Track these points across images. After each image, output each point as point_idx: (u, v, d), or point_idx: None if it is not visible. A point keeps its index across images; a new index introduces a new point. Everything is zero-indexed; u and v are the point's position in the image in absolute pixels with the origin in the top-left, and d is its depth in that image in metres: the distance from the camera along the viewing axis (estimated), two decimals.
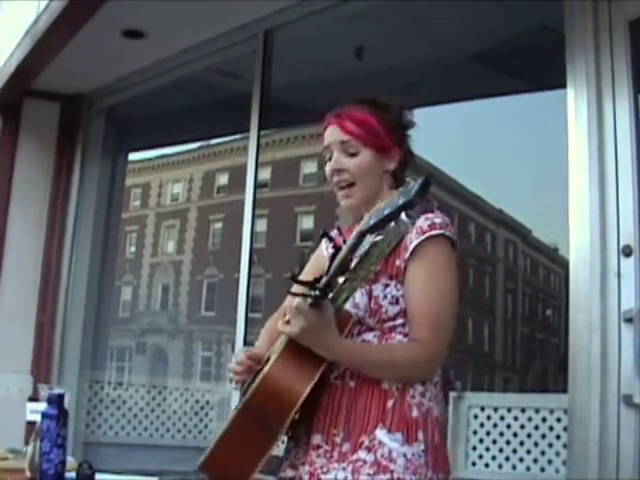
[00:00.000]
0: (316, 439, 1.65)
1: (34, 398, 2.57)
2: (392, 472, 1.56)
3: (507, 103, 5.78)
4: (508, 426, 3.12)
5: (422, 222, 1.67)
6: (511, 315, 13.92)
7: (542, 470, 3.00)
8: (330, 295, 1.59)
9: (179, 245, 18.46)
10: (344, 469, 1.59)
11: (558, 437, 2.97)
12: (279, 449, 1.70)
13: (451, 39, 4.04)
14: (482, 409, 3.20)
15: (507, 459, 3.12)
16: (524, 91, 5.03)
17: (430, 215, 1.69)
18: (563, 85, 2.85)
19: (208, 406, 5.24)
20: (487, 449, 3.17)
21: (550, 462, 2.99)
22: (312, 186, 15.34)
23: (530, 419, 3.07)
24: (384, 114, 1.77)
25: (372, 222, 1.48)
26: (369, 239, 1.53)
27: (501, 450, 3.13)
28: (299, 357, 1.60)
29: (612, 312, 2.62)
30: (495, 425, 3.16)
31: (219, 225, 17.29)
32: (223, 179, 16.76)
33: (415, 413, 1.63)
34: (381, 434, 1.60)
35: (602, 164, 2.72)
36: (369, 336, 1.69)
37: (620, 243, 2.65)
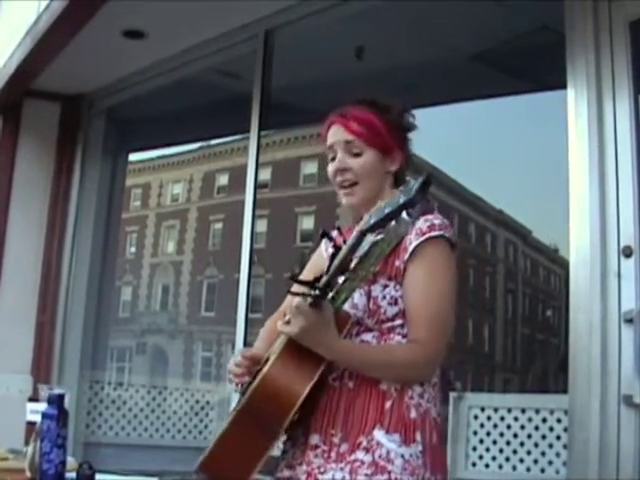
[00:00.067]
0: (314, 439, 1.65)
1: (34, 398, 2.57)
2: (390, 473, 1.56)
3: (507, 103, 5.78)
4: (508, 427, 3.12)
5: (421, 223, 1.67)
6: (511, 316, 13.93)
7: (542, 471, 3.00)
8: (330, 295, 1.59)
9: (179, 245, 18.47)
10: (342, 469, 1.59)
11: (558, 438, 2.97)
12: (277, 449, 1.70)
13: (451, 39, 4.04)
14: (482, 410, 3.20)
15: (507, 460, 3.12)
16: (524, 91, 5.03)
17: (429, 216, 1.69)
18: (563, 85, 2.85)
19: (208, 406, 5.24)
20: (487, 450, 3.17)
21: (550, 463, 2.99)
22: (312, 187, 15.35)
23: (530, 420, 3.07)
24: (386, 115, 1.78)
25: (373, 221, 1.48)
26: (369, 239, 1.53)
27: (501, 451, 3.13)
28: (298, 357, 1.60)
29: (612, 313, 2.62)
30: (495, 426, 3.16)
31: (219, 225, 17.30)
32: (223, 179, 16.77)
33: (413, 414, 1.63)
34: (379, 435, 1.60)
35: (602, 165, 2.71)
36: (368, 337, 1.69)
37: (620, 244, 2.65)
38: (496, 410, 3.17)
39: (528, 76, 4.54)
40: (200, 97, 5.03)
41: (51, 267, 5.00)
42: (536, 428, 3.03)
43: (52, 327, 4.96)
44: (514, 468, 3.09)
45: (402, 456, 1.58)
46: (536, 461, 3.03)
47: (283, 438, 1.69)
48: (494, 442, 3.15)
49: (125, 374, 13.58)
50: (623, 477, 2.48)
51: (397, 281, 1.67)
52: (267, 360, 1.69)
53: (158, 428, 5.07)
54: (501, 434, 3.13)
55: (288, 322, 1.61)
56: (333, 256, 1.59)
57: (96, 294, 5.24)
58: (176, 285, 17.42)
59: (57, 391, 2.13)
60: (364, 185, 1.76)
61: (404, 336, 1.67)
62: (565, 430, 2.88)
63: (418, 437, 1.61)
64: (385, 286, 1.67)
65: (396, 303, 1.67)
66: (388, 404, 1.63)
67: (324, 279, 1.56)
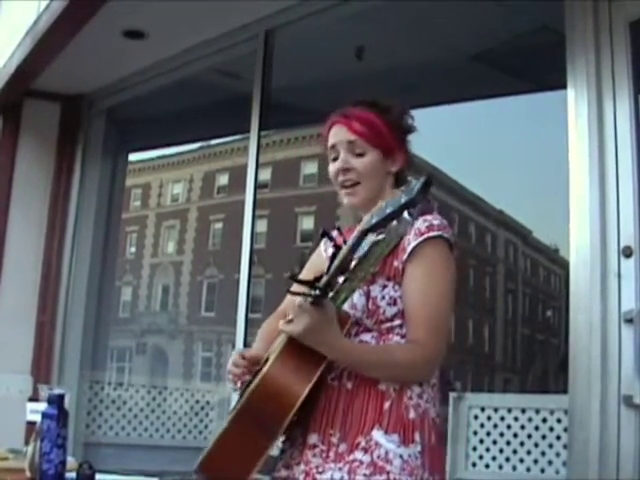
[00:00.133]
0: (312, 439, 1.65)
1: (34, 398, 2.57)
2: (388, 473, 1.56)
3: (507, 104, 5.79)
4: (508, 427, 3.12)
5: (420, 224, 1.67)
6: (511, 316, 13.94)
7: (542, 471, 3.00)
8: (329, 295, 1.59)
9: (179, 245, 18.48)
10: (340, 469, 1.59)
11: (558, 438, 2.97)
12: (276, 449, 1.70)
13: (451, 39, 4.04)
14: (482, 410, 3.20)
15: (507, 460, 3.12)
16: (524, 92, 5.03)
17: (428, 217, 1.69)
18: (563, 85, 2.85)
19: (208, 406, 5.24)
20: (487, 450, 3.17)
21: (550, 463, 2.99)
22: (312, 187, 15.36)
23: (530, 420, 3.07)
24: (386, 115, 1.78)
25: (374, 221, 1.48)
26: (370, 239, 1.53)
27: (501, 451, 3.13)
28: (298, 358, 1.60)
29: (612, 313, 2.62)
30: (495, 426, 3.16)
31: (219, 225, 17.31)
32: (223, 179, 16.78)
33: (412, 414, 1.63)
34: (378, 435, 1.60)
35: (602, 165, 2.71)
36: (366, 337, 1.69)
37: (620, 244, 2.65)
38: (496, 410, 3.17)
39: (528, 76, 4.54)
40: (200, 97, 5.03)
41: (51, 267, 5.00)
42: (536, 428, 3.03)
43: (52, 327, 4.96)
44: (514, 468, 3.09)
45: (401, 456, 1.58)
46: (536, 461, 3.03)
47: (282, 438, 1.69)
48: (494, 442, 3.15)
49: (125, 374, 13.58)
50: (623, 477, 2.48)
51: (396, 281, 1.67)
52: (266, 360, 1.69)
53: (158, 428, 5.07)
54: (501, 434, 3.13)
55: (289, 322, 1.61)
56: (334, 256, 1.59)
57: (96, 294, 5.24)
58: (176, 285, 17.43)
59: (57, 391, 2.13)
60: (366, 185, 1.76)
61: (403, 336, 1.67)
62: (565, 430, 2.88)
63: (417, 437, 1.61)
64: (384, 286, 1.67)
65: (395, 303, 1.67)
66: (387, 404, 1.63)
67: (324, 279, 1.56)
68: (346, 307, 1.66)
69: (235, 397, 1.88)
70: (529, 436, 3.05)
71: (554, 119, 3.23)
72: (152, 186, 17.11)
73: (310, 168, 15.45)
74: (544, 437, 3.01)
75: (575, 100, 2.80)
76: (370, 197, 1.75)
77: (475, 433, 3.19)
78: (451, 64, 4.32)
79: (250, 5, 3.88)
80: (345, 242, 1.71)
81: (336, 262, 1.56)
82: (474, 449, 3.19)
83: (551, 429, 2.99)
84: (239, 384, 1.77)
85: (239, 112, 4.48)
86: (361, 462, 1.58)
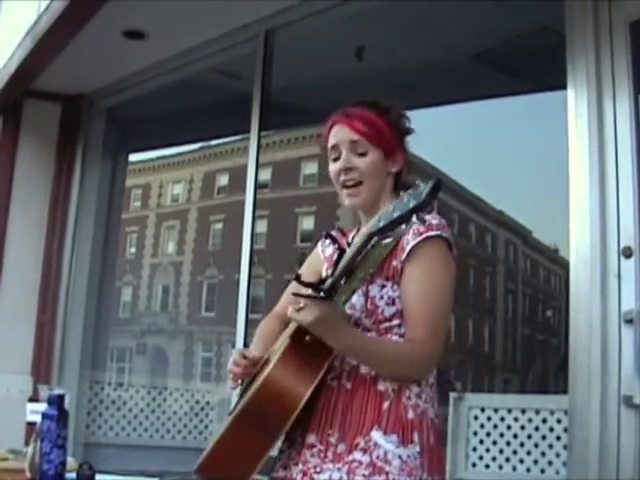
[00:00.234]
0: (310, 439, 1.65)
1: (34, 399, 2.57)
2: (387, 473, 1.56)
3: (508, 104, 5.78)
4: (508, 427, 3.12)
5: (419, 223, 1.67)
6: (511, 316, 13.93)
7: (542, 471, 3.00)
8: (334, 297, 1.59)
9: (179, 246, 18.47)
10: (339, 470, 1.58)
11: (558, 438, 2.96)
12: (275, 449, 1.70)
13: (451, 39, 4.04)
14: (482, 410, 3.20)
15: (507, 460, 3.12)
16: (524, 92, 5.03)
17: (427, 216, 1.68)
18: (563, 86, 2.85)
19: (208, 407, 5.24)
20: (487, 450, 3.17)
21: (550, 463, 2.99)
22: (312, 187, 15.35)
23: (530, 420, 3.07)
24: (387, 116, 1.78)
25: (381, 225, 1.45)
26: (375, 241, 1.53)
27: (501, 451, 3.13)
28: (300, 359, 1.59)
29: (612, 313, 2.62)
30: (495, 426, 3.16)
31: (219, 226, 17.30)
32: (223, 180, 16.77)
33: (411, 415, 1.63)
34: (377, 435, 1.60)
35: (602, 165, 2.71)
36: None
37: (620, 244, 2.65)
38: (496, 410, 3.17)
39: (528, 76, 4.54)
40: (200, 97, 5.03)
41: (51, 267, 5.00)
42: (536, 428, 3.03)
43: (52, 327, 4.96)
44: (514, 469, 3.09)
45: (400, 457, 1.58)
46: (536, 461, 3.03)
47: (281, 438, 1.69)
48: (494, 442, 3.15)
49: (125, 374, 13.58)
50: (623, 477, 2.48)
51: (394, 281, 1.67)
52: (267, 361, 1.69)
53: (158, 428, 5.07)
54: (501, 434, 3.13)
55: (299, 310, 1.58)
56: (339, 258, 1.59)
57: (96, 294, 5.24)
58: (176, 285, 17.42)
59: (57, 391, 2.13)
60: (368, 185, 1.75)
61: (401, 336, 1.67)
62: (565, 430, 2.88)
63: (416, 438, 1.61)
64: (383, 286, 1.67)
65: (394, 303, 1.67)
66: (386, 405, 1.63)
67: (329, 281, 1.56)
68: (345, 307, 1.66)
69: (235, 397, 1.88)
70: (529, 436, 3.05)
71: (554, 119, 3.23)
72: (152, 186, 17.10)
73: (310, 168, 15.44)
74: (544, 437, 3.01)
75: (575, 100, 2.80)
76: (371, 198, 1.75)
77: (475, 433, 3.19)
78: (451, 64, 4.32)
79: (250, 5, 3.88)
80: (348, 244, 1.71)
81: (342, 264, 1.55)
82: (474, 449, 3.19)
83: (551, 429, 2.99)
84: (237, 381, 1.76)
85: (239, 112, 4.48)
86: (360, 462, 1.57)
